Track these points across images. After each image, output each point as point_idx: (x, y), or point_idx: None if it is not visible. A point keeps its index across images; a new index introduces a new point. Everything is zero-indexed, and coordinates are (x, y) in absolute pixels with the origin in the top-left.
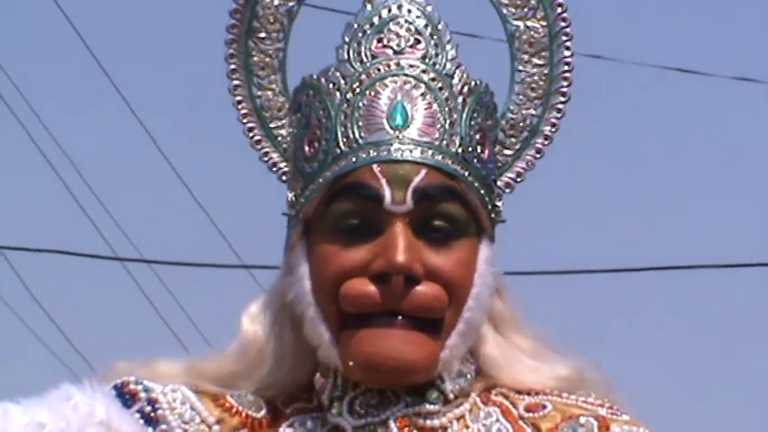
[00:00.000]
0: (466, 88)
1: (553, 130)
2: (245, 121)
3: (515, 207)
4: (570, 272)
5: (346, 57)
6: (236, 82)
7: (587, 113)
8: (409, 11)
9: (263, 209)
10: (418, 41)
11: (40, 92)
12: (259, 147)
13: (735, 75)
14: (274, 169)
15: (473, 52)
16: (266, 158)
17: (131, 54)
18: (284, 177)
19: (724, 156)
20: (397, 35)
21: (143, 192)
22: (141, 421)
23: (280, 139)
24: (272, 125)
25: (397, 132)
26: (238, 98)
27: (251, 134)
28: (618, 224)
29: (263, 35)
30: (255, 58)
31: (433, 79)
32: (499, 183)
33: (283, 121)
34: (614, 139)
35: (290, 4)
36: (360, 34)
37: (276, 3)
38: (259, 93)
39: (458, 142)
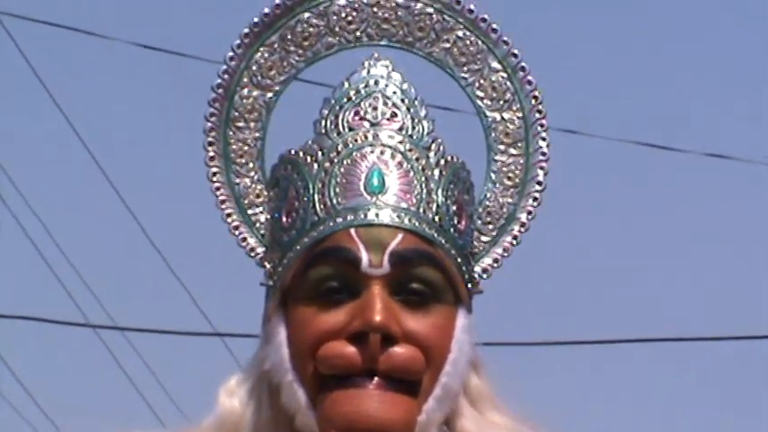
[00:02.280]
0: (443, 161)
1: (530, 217)
2: (223, 207)
3: (494, 280)
4: (548, 343)
5: (323, 130)
6: (214, 169)
7: (566, 186)
8: (386, 86)
9: (236, 277)
10: (395, 114)
11: (13, 158)
12: (237, 232)
13: (708, 151)
14: (252, 254)
15: (451, 126)
16: (244, 244)
17: (107, 126)
18: (261, 262)
19: (699, 230)
20: (374, 108)
21: (117, 259)
22: None
23: (257, 225)
24: (249, 211)
25: (374, 198)
26: (217, 185)
27: (229, 220)
28: (598, 296)
29: (241, 124)
30: (234, 146)
31: (410, 150)
32: (477, 268)
33: (261, 208)
34: (595, 211)
35: (269, 95)
36: (337, 108)
37: (254, 93)
38: (237, 180)
39: (434, 209)
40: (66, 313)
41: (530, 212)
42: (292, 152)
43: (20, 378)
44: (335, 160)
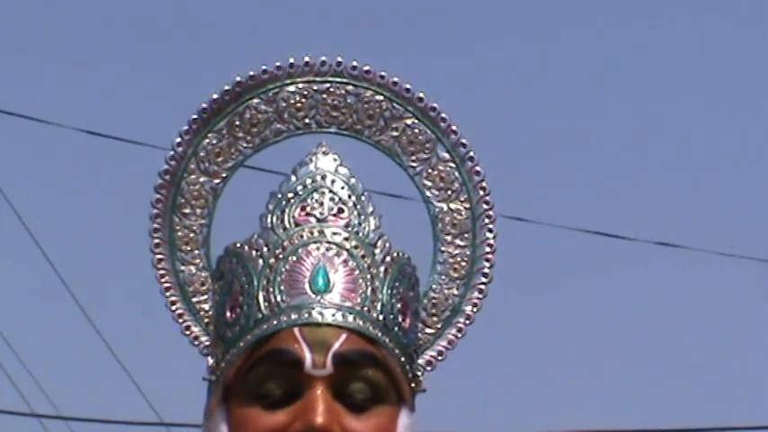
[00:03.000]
0: (388, 258)
1: (475, 310)
2: (167, 294)
3: (438, 377)
4: None
5: (270, 224)
6: (159, 256)
7: (514, 273)
8: (333, 181)
9: (182, 367)
10: (342, 210)
11: None
12: (181, 320)
13: (657, 240)
14: (196, 343)
15: (399, 213)
16: (188, 332)
17: (52, 212)
18: (205, 351)
19: (654, 318)
20: (321, 203)
21: (61, 347)
22: None
23: (202, 313)
24: (194, 299)
25: (318, 296)
26: (161, 272)
27: (173, 308)
28: (544, 389)
29: (187, 211)
30: (180, 233)
31: (356, 247)
32: (420, 360)
33: (205, 296)
34: (542, 299)
35: (216, 181)
36: (284, 202)
37: (201, 180)
38: (182, 267)
39: (379, 308)
40: (10, 402)
41: (475, 305)
42: (238, 245)
43: None
44: (281, 256)
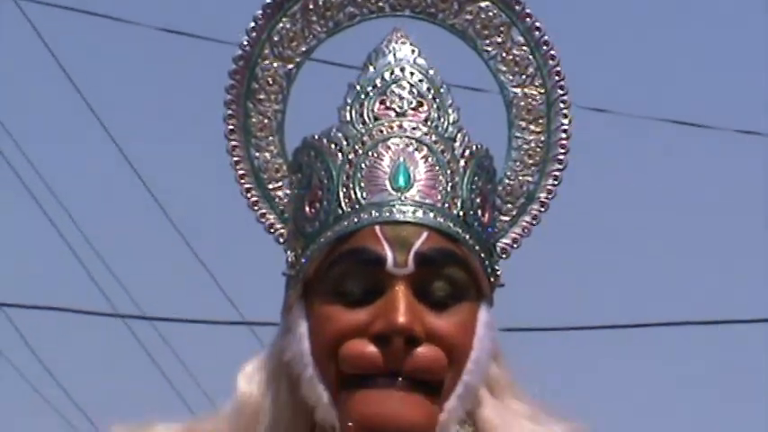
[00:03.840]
0: (467, 152)
1: (549, 196)
2: (242, 181)
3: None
4: (567, 328)
5: (348, 118)
6: (233, 143)
7: (588, 166)
8: (412, 73)
9: (264, 265)
10: (421, 104)
11: (43, 154)
12: (256, 208)
13: (737, 128)
14: (271, 231)
15: (475, 105)
16: (263, 220)
17: (132, 110)
18: (281, 239)
19: (726, 210)
20: (400, 97)
21: (144, 249)
22: None
23: (277, 200)
24: (269, 186)
25: (399, 194)
26: (236, 159)
27: (248, 195)
28: (618, 281)
29: (261, 97)
30: (254, 120)
31: (436, 142)
32: (497, 248)
33: (281, 183)
34: (614, 192)
35: (289, 66)
36: (362, 96)
37: (275, 65)
38: (257, 154)
39: (459, 205)
40: (95, 304)
41: (549, 192)
42: (316, 138)
43: (51, 369)
44: (360, 152)
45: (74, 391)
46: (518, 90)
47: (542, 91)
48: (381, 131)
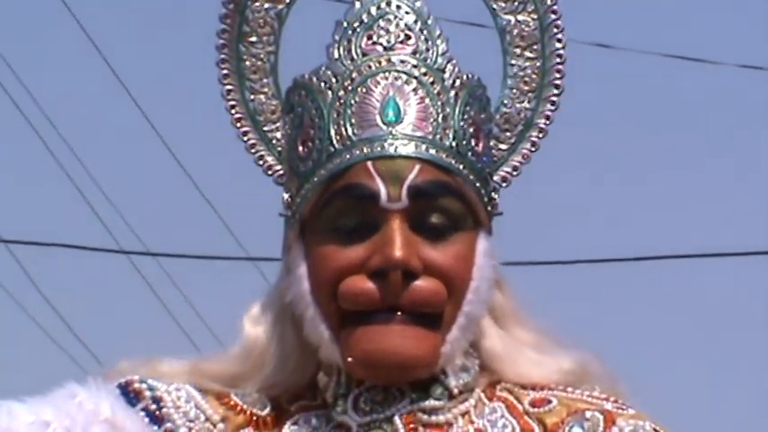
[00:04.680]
0: (458, 82)
1: (548, 122)
2: (238, 125)
3: (513, 198)
4: (570, 262)
5: (337, 55)
6: (228, 86)
7: (591, 102)
8: (398, 7)
9: (268, 202)
10: (408, 37)
11: (44, 86)
12: (254, 150)
13: (740, 62)
14: (270, 172)
15: (465, 40)
16: (261, 162)
17: (135, 52)
18: (280, 180)
19: (730, 144)
20: (387, 31)
21: (148, 185)
22: (146, 419)
23: (274, 142)
24: (265, 128)
25: (389, 128)
26: (231, 102)
27: (245, 138)
28: (620, 214)
29: (253, 39)
30: (247, 63)
31: (425, 74)
32: (495, 177)
33: (277, 125)
34: (619, 127)
35: (280, 7)
36: (350, 32)
37: (266, 6)
38: (252, 97)
39: (451, 136)
40: (99, 240)
41: (548, 117)
42: (306, 77)
43: (55, 306)
44: (350, 88)
45: (78, 328)
46: (510, 17)
47: (535, 17)
48: (370, 67)
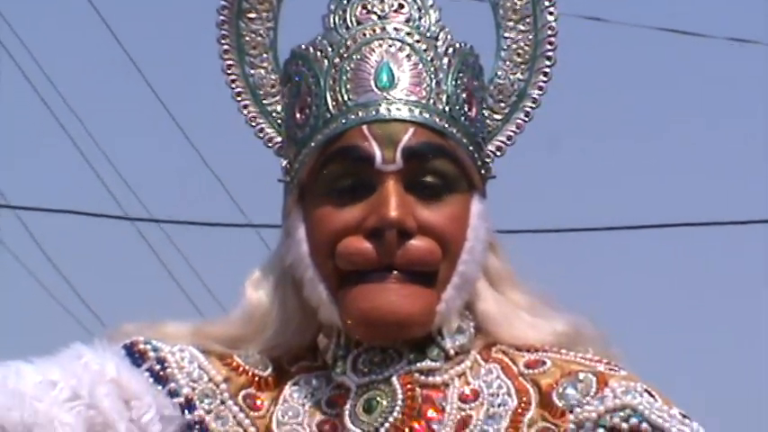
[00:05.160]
0: (450, 49)
1: (540, 93)
2: (239, 99)
3: (508, 165)
4: (562, 230)
5: (332, 25)
6: (228, 62)
7: (584, 72)
8: None
9: (269, 170)
10: (402, 6)
11: (52, 56)
12: (254, 123)
13: (730, 36)
14: (270, 144)
15: (459, 13)
16: (262, 134)
17: (142, 26)
18: (280, 152)
19: (720, 115)
20: (381, 1)
21: (153, 155)
22: (151, 379)
23: (274, 114)
24: (265, 102)
25: (384, 93)
26: (232, 77)
27: (246, 111)
28: (610, 182)
29: (252, 15)
30: (247, 38)
31: (418, 41)
32: (490, 147)
33: (276, 98)
34: (614, 97)
35: None
36: (345, 2)
37: None
38: (252, 71)
39: (444, 100)
40: (105, 207)
41: (540, 88)
42: (303, 47)
43: (62, 271)
44: (345, 56)
45: (84, 292)
46: None
47: None
48: (364, 35)
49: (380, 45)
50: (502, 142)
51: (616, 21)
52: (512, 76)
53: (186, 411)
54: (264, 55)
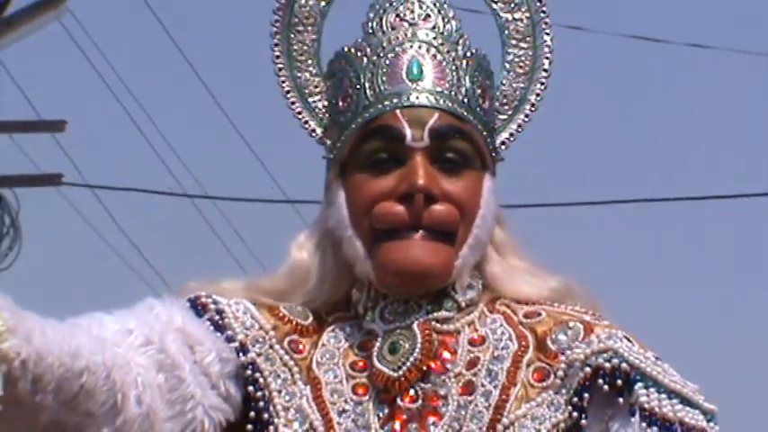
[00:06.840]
0: (468, 53)
1: (538, 98)
2: (288, 96)
3: (513, 148)
4: (561, 204)
5: (370, 30)
6: (279, 65)
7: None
8: None
9: (307, 154)
10: (429, 15)
11: (112, 42)
12: (300, 117)
13: (690, 42)
14: (313, 135)
15: (473, 26)
16: (306, 126)
17: (199, 26)
18: (320, 141)
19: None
20: (411, 11)
21: (208, 141)
22: (211, 328)
23: (317, 110)
24: (310, 99)
25: (414, 84)
26: (282, 78)
27: (293, 107)
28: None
29: (300, 28)
30: (295, 47)
31: (442, 44)
32: (497, 141)
33: (319, 96)
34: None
35: (322, 4)
36: (381, 11)
37: (311, 3)
38: (299, 74)
39: (463, 93)
40: (166, 185)
41: (538, 95)
42: (345, 49)
43: (132, 239)
44: (381, 54)
45: (152, 258)
46: (508, 15)
47: (528, 15)
48: (397, 38)
49: (411, 46)
50: (506, 138)
51: (595, 30)
52: (514, 85)
53: (240, 354)
54: (309, 60)
